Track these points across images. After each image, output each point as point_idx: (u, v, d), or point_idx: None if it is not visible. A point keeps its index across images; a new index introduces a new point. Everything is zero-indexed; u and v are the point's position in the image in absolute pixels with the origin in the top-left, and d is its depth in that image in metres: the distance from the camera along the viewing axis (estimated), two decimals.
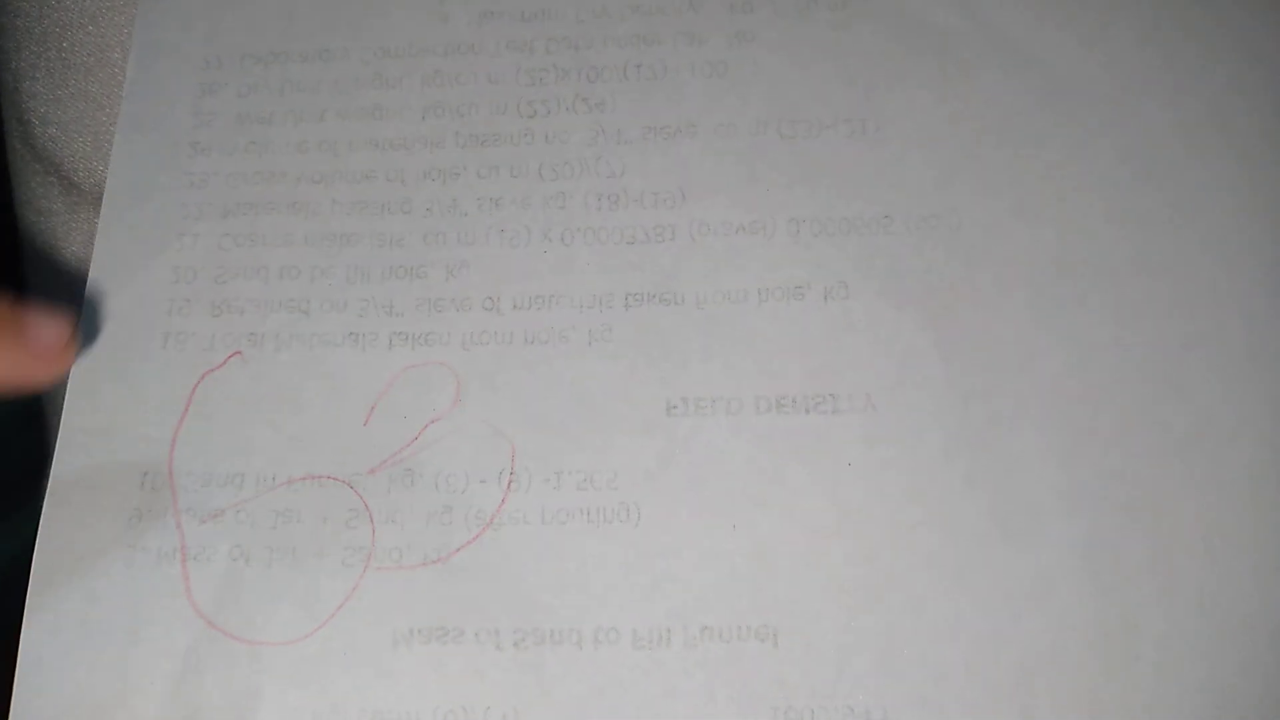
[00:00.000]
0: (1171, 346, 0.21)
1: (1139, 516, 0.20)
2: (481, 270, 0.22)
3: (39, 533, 0.20)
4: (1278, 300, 0.21)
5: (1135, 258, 0.21)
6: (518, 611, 0.20)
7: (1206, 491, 0.20)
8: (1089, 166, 0.22)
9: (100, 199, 0.23)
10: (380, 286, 0.22)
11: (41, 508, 0.21)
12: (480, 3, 0.24)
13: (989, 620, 0.19)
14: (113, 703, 0.20)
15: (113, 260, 0.22)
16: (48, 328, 0.20)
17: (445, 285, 0.22)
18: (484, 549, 0.20)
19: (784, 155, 0.22)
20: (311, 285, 0.22)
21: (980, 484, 0.20)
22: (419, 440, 0.21)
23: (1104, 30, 0.23)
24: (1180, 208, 0.21)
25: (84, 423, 0.21)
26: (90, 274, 0.22)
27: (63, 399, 0.21)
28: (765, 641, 0.20)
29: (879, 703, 0.19)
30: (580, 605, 0.20)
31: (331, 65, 0.24)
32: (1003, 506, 0.20)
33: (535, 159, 0.23)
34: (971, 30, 0.23)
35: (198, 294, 0.22)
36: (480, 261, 0.22)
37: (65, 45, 0.25)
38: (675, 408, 0.21)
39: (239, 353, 0.22)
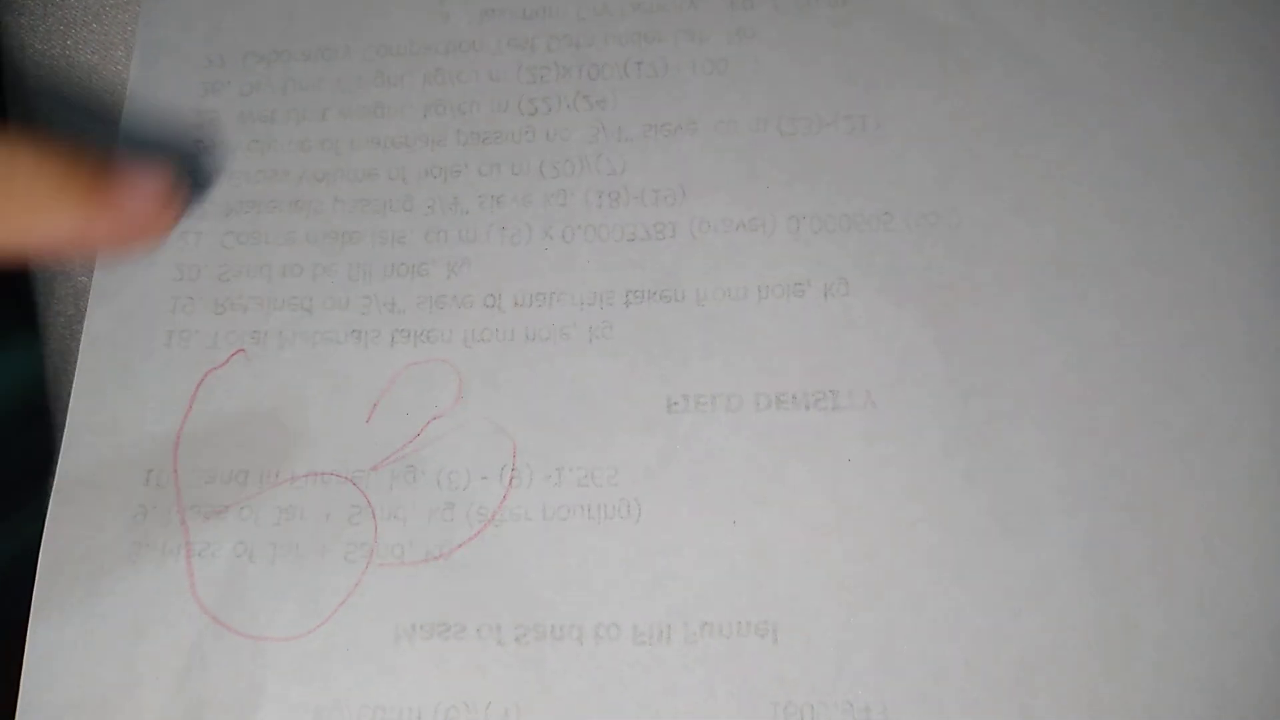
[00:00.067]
0: (1172, 345, 0.21)
1: (1139, 515, 0.20)
2: (483, 268, 0.22)
3: (45, 530, 0.21)
4: (1278, 299, 0.21)
5: (1135, 256, 0.21)
6: (519, 607, 0.20)
7: (1206, 490, 0.20)
8: (1089, 164, 0.22)
9: None
10: (382, 284, 0.22)
11: (45, 506, 0.21)
12: (481, 1, 0.24)
13: (989, 617, 0.19)
14: (118, 697, 0.20)
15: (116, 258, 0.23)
16: (146, 181, 0.20)
17: (447, 283, 0.22)
18: (485, 545, 0.20)
19: (784, 152, 0.22)
20: (314, 283, 0.22)
21: (980, 481, 0.20)
22: (421, 437, 0.21)
23: (1104, 28, 0.22)
24: (1180, 206, 0.21)
25: (88, 421, 0.21)
26: (94, 273, 0.23)
27: (67, 397, 0.22)
28: (765, 638, 0.20)
29: (878, 699, 0.19)
30: (581, 601, 0.20)
31: (333, 64, 0.24)
32: (1003, 504, 0.20)
33: (536, 156, 0.23)
34: (972, 28, 0.23)
35: (201, 292, 0.22)
36: (481, 259, 0.22)
37: (69, 44, 0.25)
38: (676, 404, 0.21)
39: (242, 351, 0.22)
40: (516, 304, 0.22)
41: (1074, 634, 0.19)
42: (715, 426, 0.21)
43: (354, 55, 0.24)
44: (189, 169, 0.22)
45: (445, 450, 0.21)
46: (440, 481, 0.21)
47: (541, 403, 0.21)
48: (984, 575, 0.20)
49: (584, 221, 0.22)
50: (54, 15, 0.25)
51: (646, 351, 0.21)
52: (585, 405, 0.21)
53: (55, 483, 0.21)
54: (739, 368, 0.21)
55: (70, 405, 0.21)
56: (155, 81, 0.24)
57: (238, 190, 0.23)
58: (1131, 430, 0.20)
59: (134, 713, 0.20)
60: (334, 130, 0.23)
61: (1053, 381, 0.21)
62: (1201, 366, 0.20)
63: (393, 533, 0.21)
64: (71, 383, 0.22)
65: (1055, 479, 0.20)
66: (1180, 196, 0.21)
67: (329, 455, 0.21)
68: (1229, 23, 0.22)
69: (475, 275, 0.22)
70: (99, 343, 0.22)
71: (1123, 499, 0.20)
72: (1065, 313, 0.21)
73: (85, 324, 0.22)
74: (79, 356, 0.22)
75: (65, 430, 0.21)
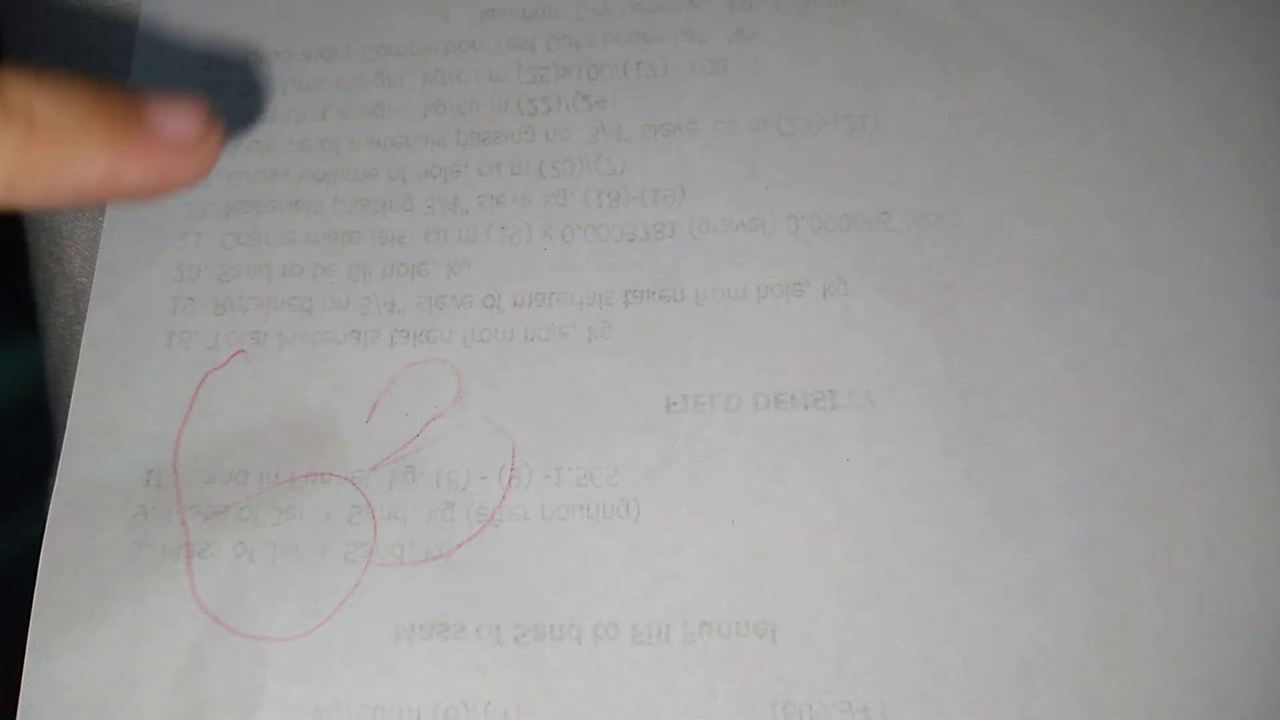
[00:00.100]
0: (1172, 344, 0.21)
1: (1139, 514, 0.20)
2: (482, 268, 0.22)
3: (46, 531, 0.21)
4: (1278, 299, 0.21)
5: (1135, 255, 0.21)
6: (518, 607, 0.20)
7: (1206, 490, 0.20)
8: (1089, 164, 0.22)
9: None
10: (382, 284, 0.22)
11: (45, 506, 0.21)
12: (481, 1, 0.24)
13: (988, 617, 0.19)
14: (119, 697, 0.20)
15: (117, 259, 0.23)
16: (180, 115, 0.17)
17: (446, 283, 0.22)
18: (485, 545, 0.20)
19: (784, 152, 0.22)
20: (314, 283, 0.22)
21: (980, 481, 0.20)
22: (420, 437, 0.21)
23: (1104, 28, 0.22)
24: (1181, 205, 0.21)
25: (89, 422, 0.21)
26: (95, 274, 0.23)
27: (67, 397, 0.22)
28: (764, 637, 0.20)
29: (878, 699, 0.19)
30: (580, 601, 0.20)
31: (333, 64, 0.24)
32: (1002, 504, 0.20)
33: (536, 156, 0.23)
34: (972, 27, 0.23)
35: (201, 292, 0.22)
36: (481, 259, 0.22)
37: (70, 45, 0.25)
38: (675, 404, 0.21)
39: (242, 351, 0.22)
40: (516, 304, 0.22)
41: (1074, 634, 0.19)
42: (714, 426, 0.21)
43: (354, 55, 0.24)
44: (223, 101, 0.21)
45: (445, 450, 0.21)
46: (440, 481, 0.21)
47: (541, 403, 0.21)
48: (984, 575, 0.20)
49: (583, 221, 0.22)
50: (54, 18, 0.25)
51: (646, 351, 0.21)
52: (585, 405, 0.21)
53: (56, 483, 0.21)
54: (738, 367, 0.21)
55: (71, 406, 0.22)
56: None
57: (237, 190, 0.23)
58: (1131, 430, 0.20)
59: (134, 713, 0.20)
60: (334, 130, 0.23)
61: (1053, 381, 0.21)
62: (1201, 366, 0.20)
63: (392, 533, 0.21)
64: (71, 383, 0.22)
65: (1055, 479, 0.20)
66: (1180, 196, 0.21)
67: (329, 455, 0.21)
68: (1229, 23, 0.22)
69: (475, 275, 0.22)
70: (99, 343, 0.22)
71: (1123, 499, 0.20)
72: (1065, 313, 0.21)
73: (85, 324, 0.22)
74: (79, 357, 0.22)
75: (66, 431, 0.21)
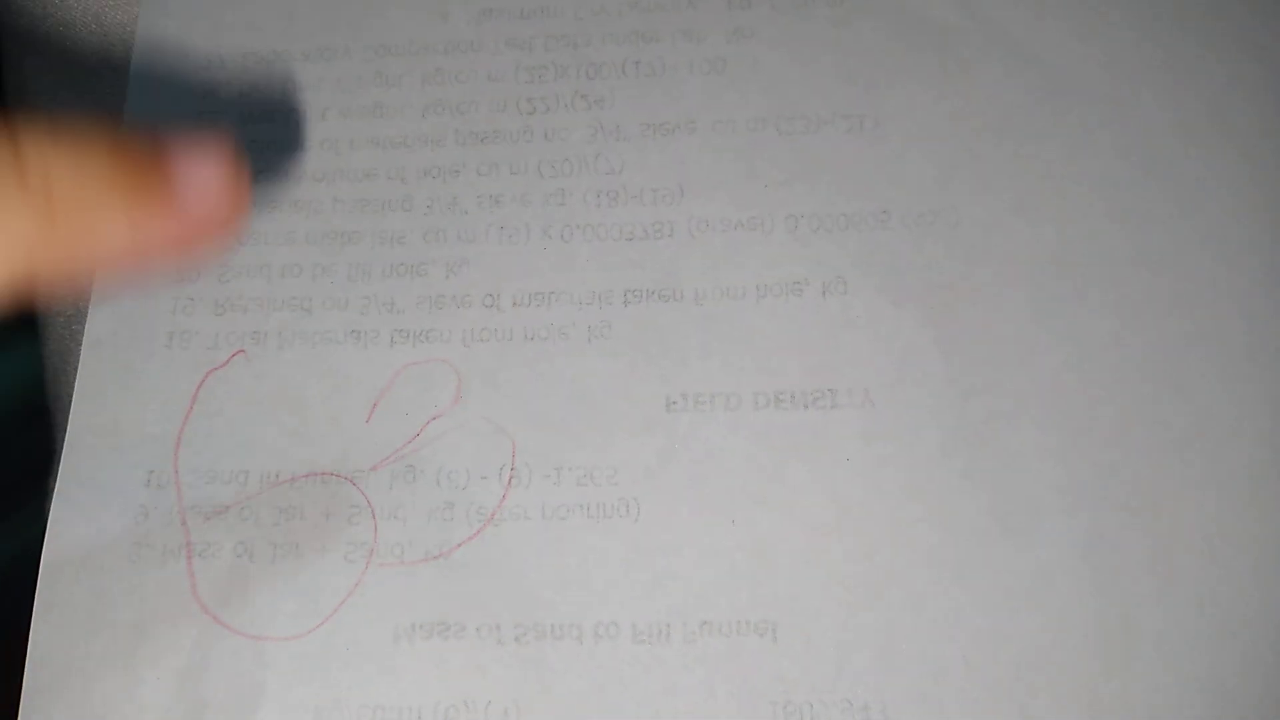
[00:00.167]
0: (1172, 344, 0.21)
1: (1139, 514, 0.20)
2: (482, 268, 0.22)
3: (47, 531, 0.21)
4: (1278, 299, 0.21)
5: (1135, 255, 0.21)
6: (518, 607, 0.20)
7: (1206, 490, 0.20)
8: (1089, 163, 0.22)
9: None
10: (381, 284, 0.22)
11: (46, 506, 0.21)
12: (480, 1, 0.24)
13: (988, 617, 0.19)
14: (120, 697, 0.20)
15: None
16: (207, 178, 0.16)
17: (446, 283, 0.22)
18: (485, 545, 0.20)
19: (783, 152, 0.22)
20: (313, 283, 0.22)
21: (979, 480, 0.20)
22: (420, 437, 0.21)
23: (1104, 28, 0.22)
24: (1180, 205, 0.21)
25: (89, 422, 0.21)
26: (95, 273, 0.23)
27: (67, 398, 0.22)
28: (764, 637, 0.20)
29: (878, 698, 0.19)
30: (581, 601, 0.20)
31: (332, 64, 0.24)
32: (1002, 503, 0.20)
33: (535, 156, 0.23)
34: (971, 27, 0.23)
35: (201, 293, 0.22)
36: (480, 259, 0.22)
37: (69, 45, 0.25)
38: (675, 404, 0.21)
39: (242, 351, 0.22)
40: (515, 304, 0.22)
41: (1073, 634, 0.19)
42: (714, 426, 0.21)
43: (353, 55, 0.24)
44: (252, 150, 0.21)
45: (444, 450, 0.21)
46: (440, 481, 0.21)
47: (540, 402, 0.21)
48: (984, 575, 0.20)
49: (582, 221, 0.22)
50: (54, 17, 0.25)
51: (645, 351, 0.21)
52: (584, 405, 0.21)
53: (57, 484, 0.21)
54: (738, 367, 0.21)
55: (71, 406, 0.22)
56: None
57: None
58: (1131, 430, 0.20)
59: (134, 713, 0.20)
60: (333, 130, 0.23)
61: (1053, 381, 0.20)
62: (1201, 366, 0.20)
63: (392, 532, 0.21)
64: (72, 383, 0.22)
65: (1055, 479, 0.20)
66: (1180, 196, 0.21)
67: (329, 455, 0.21)
68: (1229, 23, 0.22)
69: (474, 275, 0.22)
70: (100, 344, 0.22)
71: (1123, 499, 0.20)
72: (1065, 313, 0.21)
73: (86, 325, 0.22)
74: (80, 357, 0.22)
75: (66, 431, 0.21)
